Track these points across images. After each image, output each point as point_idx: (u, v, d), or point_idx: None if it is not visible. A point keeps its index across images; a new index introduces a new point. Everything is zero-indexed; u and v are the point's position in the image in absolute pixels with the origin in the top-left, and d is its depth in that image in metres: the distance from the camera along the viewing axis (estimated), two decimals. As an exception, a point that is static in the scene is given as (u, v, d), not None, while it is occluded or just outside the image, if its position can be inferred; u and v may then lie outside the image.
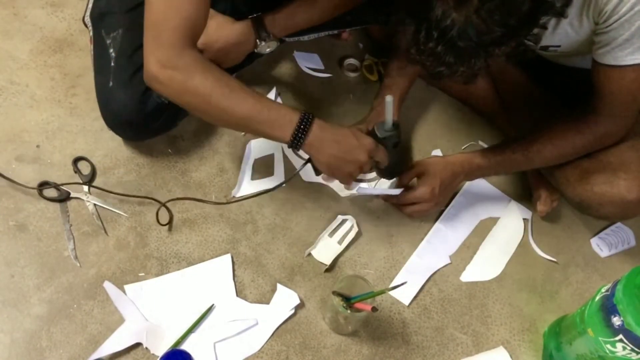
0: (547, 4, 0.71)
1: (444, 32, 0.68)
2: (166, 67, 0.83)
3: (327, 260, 1.03)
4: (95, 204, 1.00)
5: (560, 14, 0.74)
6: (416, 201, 1.07)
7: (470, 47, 0.69)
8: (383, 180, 1.12)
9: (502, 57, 0.73)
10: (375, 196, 1.13)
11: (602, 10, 0.83)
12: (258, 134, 0.93)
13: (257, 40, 1.04)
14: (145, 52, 0.84)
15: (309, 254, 1.04)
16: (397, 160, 1.02)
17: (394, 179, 1.11)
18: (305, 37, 1.19)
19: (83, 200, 1.00)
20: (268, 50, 1.06)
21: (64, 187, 1.00)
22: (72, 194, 1.00)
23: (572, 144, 1.01)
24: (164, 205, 1.01)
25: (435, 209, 1.11)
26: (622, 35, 0.83)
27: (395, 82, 1.18)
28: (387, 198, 1.12)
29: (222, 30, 1.01)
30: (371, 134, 0.97)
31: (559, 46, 0.96)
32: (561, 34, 0.92)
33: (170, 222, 1.02)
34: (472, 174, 1.09)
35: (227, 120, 0.89)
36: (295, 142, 0.89)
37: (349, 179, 0.97)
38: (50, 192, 1.00)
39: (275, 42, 1.06)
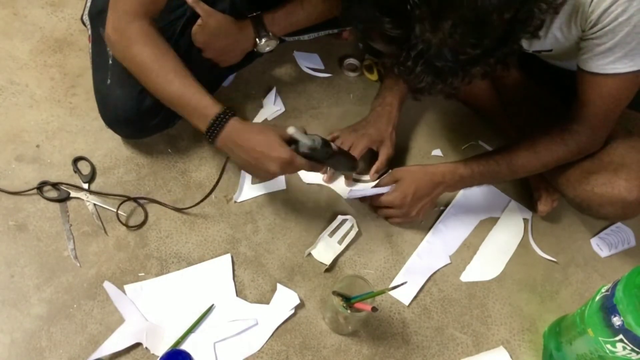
0: (521, 26, 0.72)
1: (421, 53, 0.69)
2: (116, 30, 0.91)
3: (327, 260, 1.03)
4: (95, 204, 1.00)
5: (534, 35, 0.75)
6: (387, 205, 1.06)
7: (447, 67, 0.70)
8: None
9: (480, 75, 0.74)
10: (364, 197, 1.11)
11: (588, 18, 0.83)
12: (183, 117, 0.93)
13: (257, 39, 1.04)
14: (108, 13, 0.92)
15: (309, 254, 1.04)
16: (339, 161, 0.98)
17: (375, 181, 1.10)
18: (306, 37, 1.19)
19: (83, 200, 1.00)
20: (268, 49, 1.06)
21: (63, 187, 1.00)
22: (72, 194, 1.00)
23: (555, 156, 1.01)
24: (134, 199, 1.01)
25: (409, 218, 1.08)
26: (605, 44, 0.84)
27: (396, 82, 1.18)
28: (367, 199, 1.11)
29: (221, 29, 1.01)
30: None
31: (550, 50, 0.97)
32: (551, 39, 0.93)
33: (143, 224, 1.01)
34: (454, 185, 1.07)
35: (158, 96, 0.92)
36: (209, 138, 0.90)
37: (265, 179, 0.98)
38: (50, 192, 1.00)
39: (275, 41, 1.06)
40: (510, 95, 1.25)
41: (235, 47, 1.05)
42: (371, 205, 1.11)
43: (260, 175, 0.93)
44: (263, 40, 1.04)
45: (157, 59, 0.90)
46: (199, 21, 1.02)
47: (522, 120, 1.22)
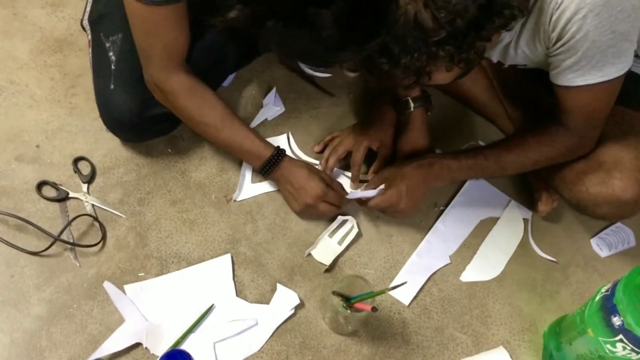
0: (493, 16, 0.73)
1: (396, 21, 0.71)
2: (157, 86, 0.96)
3: (327, 261, 1.03)
4: (93, 205, 1.00)
5: (504, 26, 0.76)
6: (385, 204, 1.05)
7: (415, 43, 0.72)
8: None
9: (445, 59, 0.75)
10: (359, 199, 1.10)
11: (550, 36, 0.84)
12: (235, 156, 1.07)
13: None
14: (142, 64, 0.96)
15: (309, 254, 1.04)
16: None
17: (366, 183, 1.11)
18: None
19: (82, 200, 1.00)
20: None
21: (62, 187, 1.00)
22: (71, 194, 1.00)
23: (544, 156, 1.02)
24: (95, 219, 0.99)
25: (409, 208, 1.07)
26: (570, 58, 0.85)
27: None
28: (364, 201, 1.10)
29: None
30: None
31: (525, 65, 0.97)
32: (522, 55, 0.94)
33: (103, 240, 0.98)
34: (442, 176, 1.07)
35: (209, 140, 1.06)
36: (263, 174, 1.04)
37: (303, 212, 1.07)
38: (49, 192, 1.00)
39: None
40: (512, 91, 1.25)
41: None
42: (370, 206, 1.10)
43: (298, 205, 1.05)
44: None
45: (203, 111, 0.98)
46: None
47: (522, 117, 1.22)
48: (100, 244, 0.97)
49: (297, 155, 1.16)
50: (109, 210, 1.01)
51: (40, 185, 0.99)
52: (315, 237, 1.05)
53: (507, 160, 1.04)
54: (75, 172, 1.03)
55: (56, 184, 1.00)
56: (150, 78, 0.96)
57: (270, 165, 1.01)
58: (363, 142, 1.11)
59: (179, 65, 0.96)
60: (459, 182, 1.20)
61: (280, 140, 1.16)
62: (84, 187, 1.02)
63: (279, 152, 1.02)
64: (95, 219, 0.99)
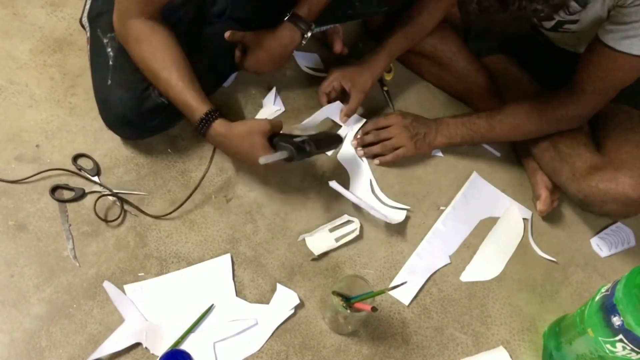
0: None
1: None
2: (116, 30, 0.96)
3: (318, 251, 1.03)
4: (116, 192, 1.01)
5: None
6: (390, 135, 1.14)
7: None
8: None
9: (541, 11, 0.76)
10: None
11: None
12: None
13: (304, 35, 1.08)
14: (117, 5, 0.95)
15: (303, 240, 1.04)
16: (323, 146, 1.04)
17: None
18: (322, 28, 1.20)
19: (99, 192, 1.01)
20: (310, 35, 1.10)
21: (75, 186, 1.01)
22: (87, 190, 1.00)
23: (535, 124, 1.08)
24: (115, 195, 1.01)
25: (411, 143, 1.15)
26: (633, 23, 0.85)
27: (393, 39, 1.20)
28: (371, 154, 1.18)
29: (268, 45, 1.07)
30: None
31: (576, 21, 0.97)
32: (584, 11, 0.94)
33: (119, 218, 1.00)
34: (441, 128, 1.17)
35: (160, 91, 0.98)
36: (199, 134, 0.98)
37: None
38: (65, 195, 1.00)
39: (312, 29, 1.09)
40: (512, 95, 1.25)
41: (284, 53, 1.10)
42: (378, 152, 1.17)
43: (246, 165, 1.03)
44: (309, 33, 1.08)
45: (153, 56, 0.94)
46: (238, 52, 1.09)
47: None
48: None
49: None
50: (133, 193, 1.02)
51: (53, 190, 0.99)
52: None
53: (497, 118, 1.11)
54: (79, 169, 1.02)
55: (67, 185, 1.00)
56: (115, 24, 0.96)
57: (203, 125, 0.94)
58: (336, 75, 1.17)
59: (142, 13, 0.94)
60: (459, 181, 1.20)
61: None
62: (96, 179, 1.02)
63: (211, 114, 0.94)
64: (123, 202, 1.00)
